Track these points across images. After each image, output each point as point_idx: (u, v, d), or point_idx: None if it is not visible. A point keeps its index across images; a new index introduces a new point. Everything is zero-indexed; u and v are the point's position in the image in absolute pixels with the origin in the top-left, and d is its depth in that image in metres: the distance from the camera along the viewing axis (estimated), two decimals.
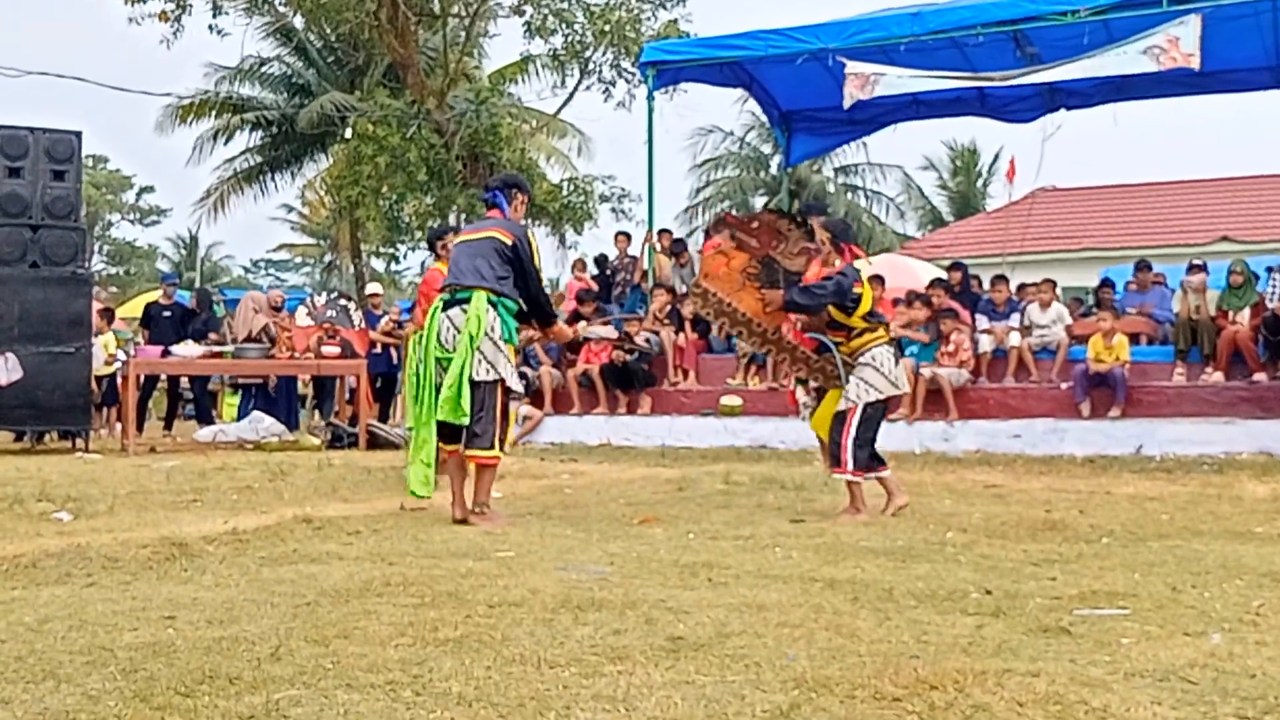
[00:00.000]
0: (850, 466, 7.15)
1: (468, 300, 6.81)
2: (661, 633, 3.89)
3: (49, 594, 4.59)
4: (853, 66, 14.18)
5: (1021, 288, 14.79)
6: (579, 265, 19.12)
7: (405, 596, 4.50)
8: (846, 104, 14.28)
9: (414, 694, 3.18)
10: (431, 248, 9.44)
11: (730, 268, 7.57)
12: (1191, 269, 13.55)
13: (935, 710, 3.02)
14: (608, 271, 18.03)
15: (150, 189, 56.83)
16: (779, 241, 7.58)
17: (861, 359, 7.25)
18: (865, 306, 7.29)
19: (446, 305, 6.95)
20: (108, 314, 17.35)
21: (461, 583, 4.77)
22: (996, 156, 39.94)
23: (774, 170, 39.35)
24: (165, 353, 14.29)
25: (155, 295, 17.51)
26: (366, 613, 4.18)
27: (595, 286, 17.48)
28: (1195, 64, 12.78)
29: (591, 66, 23.43)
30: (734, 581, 4.89)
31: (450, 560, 5.40)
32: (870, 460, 7.26)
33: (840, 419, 7.22)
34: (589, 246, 24.85)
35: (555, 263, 29.00)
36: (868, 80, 14.08)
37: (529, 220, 16.34)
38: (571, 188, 24.27)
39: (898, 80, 14.30)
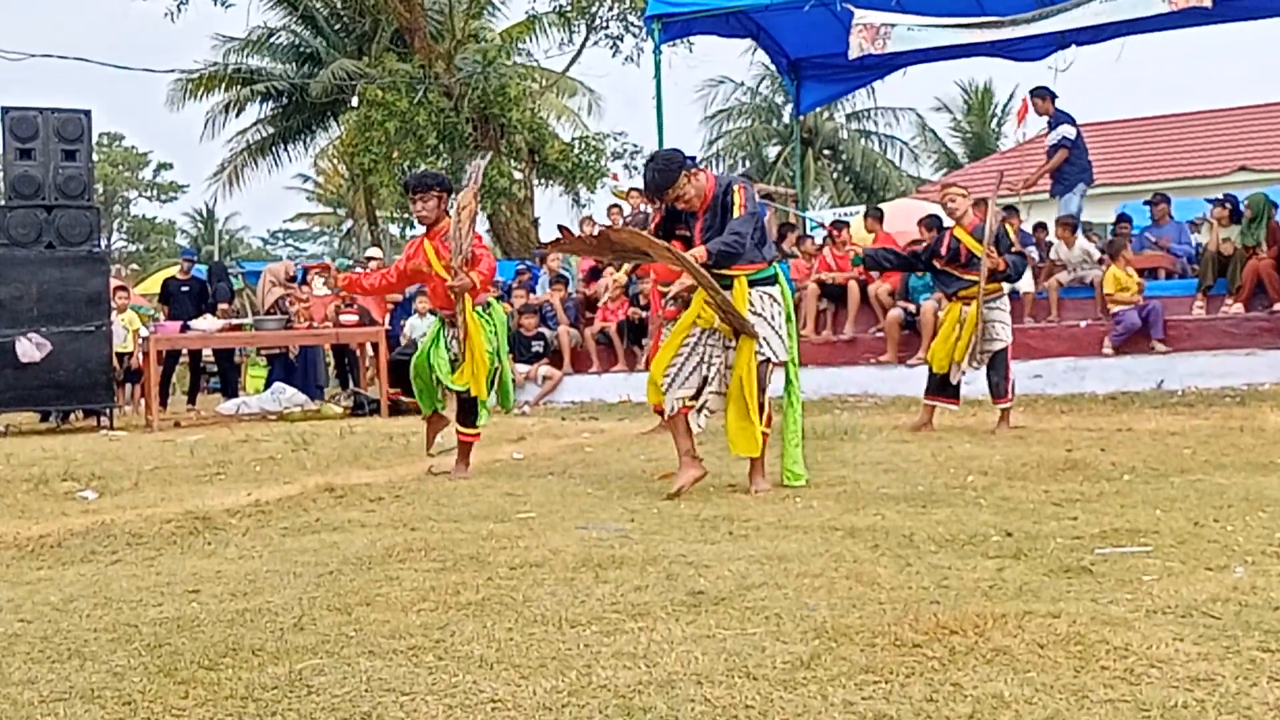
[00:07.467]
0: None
1: None
2: (682, 588, 3.90)
3: (74, 573, 4.63)
4: (861, 16, 14.01)
5: (1037, 227, 14.65)
6: (588, 223, 19.07)
7: (427, 561, 4.52)
8: (853, 55, 14.12)
9: (436, 658, 3.20)
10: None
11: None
12: (1217, 202, 13.40)
13: (955, 655, 3.02)
14: None
15: (168, 165, 56.85)
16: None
17: (997, 303, 8.99)
18: None
19: None
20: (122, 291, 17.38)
21: (483, 545, 4.80)
22: (1011, 95, 39.66)
23: (786, 119, 39.17)
24: (184, 327, 14.36)
25: (174, 271, 17.56)
26: (389, 579, 4.21)
27: None
28: (1207, 1, 12.60)
29: (598, 22, 23.29)
30: (754, 533, 4.90)
31: (472, 523, 5.42)
32: None
33: (1003, 355, 8.95)
34: (603, 205, 24.76)
35: (570, 222, 28.96)
36: (878, 33, 13.90)
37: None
38: (583, 146, 24.16)
39: (908, 34, 14.10)
